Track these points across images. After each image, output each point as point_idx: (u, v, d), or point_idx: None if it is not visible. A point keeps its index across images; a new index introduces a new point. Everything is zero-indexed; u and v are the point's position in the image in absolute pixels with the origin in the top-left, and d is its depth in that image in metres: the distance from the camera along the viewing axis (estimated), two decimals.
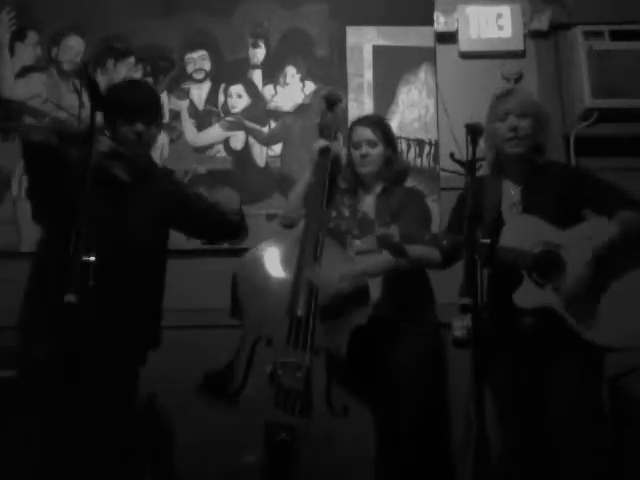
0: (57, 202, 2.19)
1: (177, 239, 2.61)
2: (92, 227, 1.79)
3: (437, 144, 3.55)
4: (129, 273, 2.26)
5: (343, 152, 2.80)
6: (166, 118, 3.57)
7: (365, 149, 2.69)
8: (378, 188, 2.73)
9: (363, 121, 2.80)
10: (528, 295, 2.27)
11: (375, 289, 2.55)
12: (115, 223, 2.25)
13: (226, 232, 2.60)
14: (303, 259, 2.44)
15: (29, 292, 2.29)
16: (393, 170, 2.74)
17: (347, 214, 2.64)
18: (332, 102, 2.81)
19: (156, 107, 2.40)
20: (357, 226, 2.31)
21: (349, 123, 2.95)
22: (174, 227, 2.55)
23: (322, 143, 2.69)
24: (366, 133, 2.71)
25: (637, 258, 2.33)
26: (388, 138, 2.74)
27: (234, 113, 3.63)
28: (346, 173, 2.76)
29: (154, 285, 2.41)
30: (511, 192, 2.45)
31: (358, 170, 2.72)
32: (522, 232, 2.32)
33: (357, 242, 2.63)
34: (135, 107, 2.30)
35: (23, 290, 2.29)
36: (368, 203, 2.70)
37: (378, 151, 2.70)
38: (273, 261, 2.49)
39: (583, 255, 2.25)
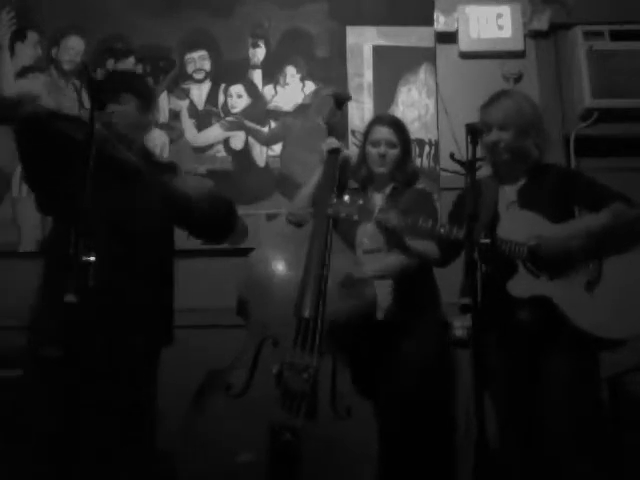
0: (58, 187, 2.18)
1: (177, 239, 2.59)
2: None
3: (437, 144, 3.55)
4: (130, 260, 2.24)
5: (350, 154, 2.77)
6: (166, 118, 3.60)
7: (384, 149, 2.66)
8: (388, 188, 2.71)
9: (384, 120, 2.76)
10: (522, 284, 2.28)
11: (386, 294, 2.54)
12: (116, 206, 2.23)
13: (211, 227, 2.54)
14: (311, 259, 2.42)
15: (41, 290, 2.26)
16: (406, 172, 2.71)
17: (348, 201, 2.60)
18: (342, 101, 2.78)
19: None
20: (357, 211, 2.30)
21: (348, 123, 2.93)
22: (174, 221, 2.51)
23: (333, 143, 2.65)
24: (386, 133, 2.67)
25: (628, 249, 2.35)
26: (405, 140, 2.71)
27: (234, 113, 3.63)
28: (358, 170, 2.73)
29: (160, 273, 2.37)
30: (507, 192, 2.47)
31: (373, 169, 2.69)
32: (518, 225, 2.33)
33: (365, 241, 2.63)
34: None
35: (23, 290, 2.26)
36: (377, 201, 2.66)
37: (396, 152, 2.67)
38: (280, 261, 2.46)
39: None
